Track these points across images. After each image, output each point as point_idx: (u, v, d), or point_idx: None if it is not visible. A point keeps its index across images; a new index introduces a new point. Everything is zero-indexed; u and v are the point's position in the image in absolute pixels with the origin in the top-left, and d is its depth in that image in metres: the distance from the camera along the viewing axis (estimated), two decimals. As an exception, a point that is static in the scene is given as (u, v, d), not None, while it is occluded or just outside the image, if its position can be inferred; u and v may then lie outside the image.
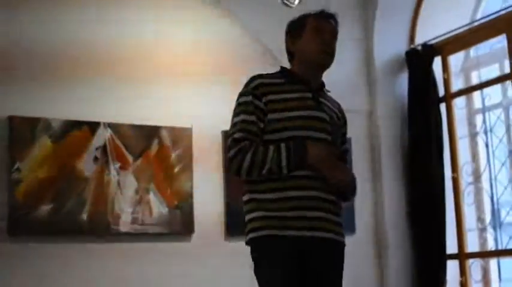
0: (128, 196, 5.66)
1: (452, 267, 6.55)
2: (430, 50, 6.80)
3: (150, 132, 5.81)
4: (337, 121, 3.43)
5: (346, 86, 6.76)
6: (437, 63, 6.82)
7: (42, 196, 5.38)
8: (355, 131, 6.70)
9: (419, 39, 6.95)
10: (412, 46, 6.96)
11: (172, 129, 5.86)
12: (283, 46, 3.53)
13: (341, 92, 6.61)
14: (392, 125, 6.88)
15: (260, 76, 3.35)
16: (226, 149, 3.34)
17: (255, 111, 3.24)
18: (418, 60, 6.82)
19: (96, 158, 5.61)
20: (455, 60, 6.91)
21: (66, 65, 5.66)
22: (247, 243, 3.30)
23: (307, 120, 3.25)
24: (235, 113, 3.31)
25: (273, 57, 6.28)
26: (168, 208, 5.76)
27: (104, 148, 5.64)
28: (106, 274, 5.51)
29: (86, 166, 5.57)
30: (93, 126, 5.63)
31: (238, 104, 3.32)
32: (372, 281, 6.64)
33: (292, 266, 3.16)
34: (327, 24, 3.42)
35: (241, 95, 3.34)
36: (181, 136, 5.89)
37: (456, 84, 6.90)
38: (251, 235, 3.26)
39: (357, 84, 6.86)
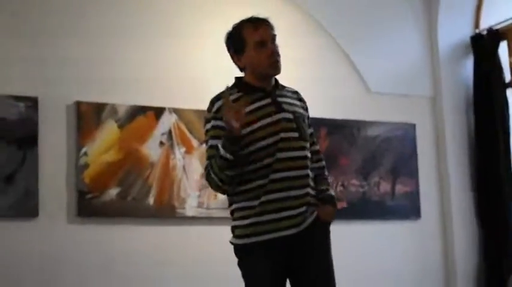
0: (193, 180, 5.70)
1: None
2: (495, 35, 6.71)
3: (215, 117, 5.83)
4: (302, 111, 3.52)
5: (410, 71, 6.76)
6: (503, 49, 6.73)
7: (109, 179, 5.46)
8: (419, 117, 6.69)
9: (485, 24, 6.86)
10: (477, 31, 6.88)
11: (236, 115, 5.86)
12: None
13: (405, 77, 6.70)
14: (457, 111, 6.82)
15: (218, 98, 3.41)
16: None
17: (221, 134, 3.30)
18: (484, 46, 6.74)
19: (161, 143, 5.66)
20: (522, 45, 6.80)
21: (131, 53, 5.73)
22: (231, 242, 3.47)
23: (274, 125, 3.35)
24: (205, 141, 3.45)
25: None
26: (233, 193, 5.80)
27: (169, 132, 5.69)
28: (171, 257, 5.56)
29: (152, 150, 5.63)
30: (159, 111, 5.69)
31: (206, 131, 3.44)
32: (438, 266, 6.60)
33: (267, 265, 3.32)
34: (264, 32, 3.44)
35: (206, 121, 3.45)
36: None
37: (522, 70, 6.80)
38: (233, 241, 3.44)
39: (421, 70, 6.80)
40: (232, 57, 3.52)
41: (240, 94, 3.41)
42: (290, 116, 3.41)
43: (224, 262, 5.63)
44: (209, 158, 3.37)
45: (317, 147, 3.64)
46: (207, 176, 3.38)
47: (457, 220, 6.61)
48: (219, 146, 3.26)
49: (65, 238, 5.30)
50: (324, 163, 3.63)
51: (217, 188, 3.40)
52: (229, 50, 3.53)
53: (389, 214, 6.42)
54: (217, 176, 3.31)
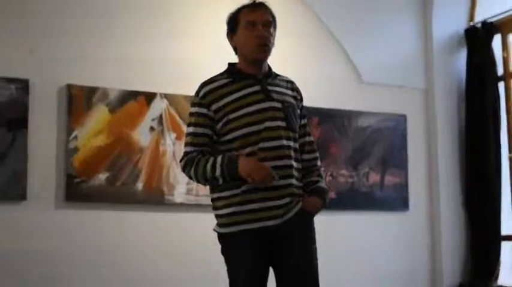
0: (182, 166, 5.68)
1: (507, 248, 6.48)
2: (490, 28, 6.71)
3: (206, 104, 5.81)
4: (292, 101, 3.48)
5: (403, 63, 6.75)
6: (497, 42, 6.74)
7: (98, 164, 5.44)
8: (411, 108, 6.68)
9: (479, 17, 6.86)
10: (471, 24, 6.88)
11: (227, 102, 5.84)
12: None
13: (398, 68, 6.69)
14: (449, 103, 6.82)
15: (207, 83, 3.42)
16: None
17: (204, 121, 3.36)
18: (478, 39, 6.74)
19: (152, 128, 5.65)
20: (516, 39, 6.80)
21: (124, 37, 5.71)
22: (214, 230, 3.45)
23: (260, 113, 3.33)
24: (188, 124, 3.45)
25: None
26: (222, 180, 5.79)
27: (160, 118, 5.68)
28: (159, 243, 5.56)
29: (142, 135, 5.62)
30: (150, 96, 5.67)
31: (190, 114, 3.43)
32: (425, 259, 6.62)
33: (250, 254, 3.32)
34: (258, 15, 3.43)
35: (191, 105, 3.46)
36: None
37: (516, 64, 6.80)
38: (217, 229, 3.42)
39: (414, 62, 6.80)
40: (227, 38, 3.53)
41: (230, 80, 3.41)
42: (278, 105, 3.40)
43: (212, 248, 5.69)
44: (187, 145, 3.39)
45: (311, 138, 3.61)
46: (184, 169, 3.40)
47: (445, 212, 6.63)
48: (217, 162, 3.27)
49: (53, 222, 5.29)
50: (317, 154, 3.61)
51: (191, 180, 3.45)
52: (227, 30, 3.53)
53: (377, 205, 6.42)
54: (197, 178, 3.36)
